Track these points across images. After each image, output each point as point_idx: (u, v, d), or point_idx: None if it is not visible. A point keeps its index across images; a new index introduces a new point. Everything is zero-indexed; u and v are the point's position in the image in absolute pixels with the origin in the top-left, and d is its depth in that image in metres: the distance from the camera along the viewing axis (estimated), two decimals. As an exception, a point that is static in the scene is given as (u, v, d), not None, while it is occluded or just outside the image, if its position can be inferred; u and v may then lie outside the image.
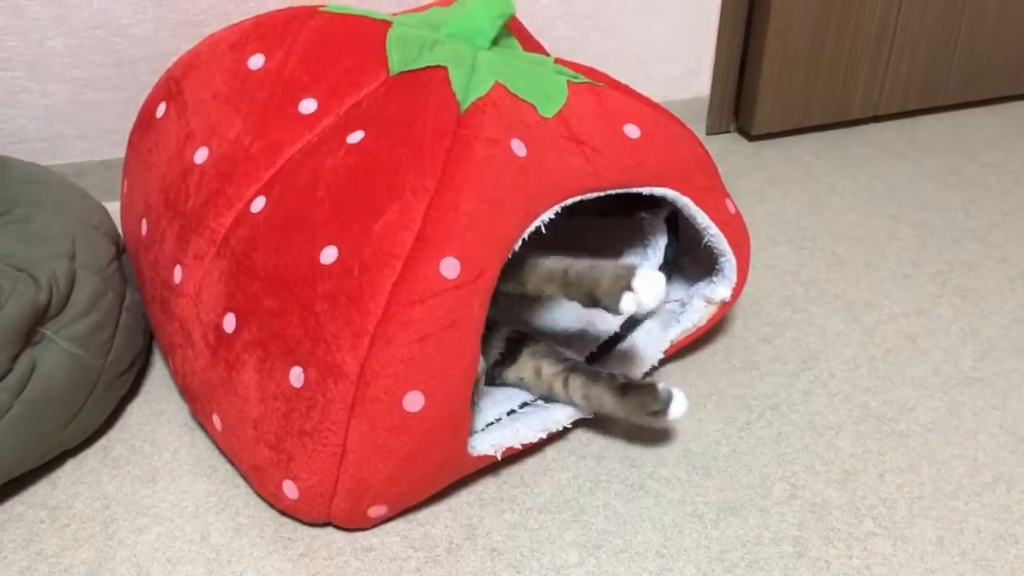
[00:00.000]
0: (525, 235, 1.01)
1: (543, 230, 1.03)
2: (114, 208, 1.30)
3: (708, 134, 1.87)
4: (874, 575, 0.98)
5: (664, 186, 1.13)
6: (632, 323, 1.24)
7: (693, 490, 1.08)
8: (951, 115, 1.94)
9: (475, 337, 0.97)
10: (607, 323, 1.22)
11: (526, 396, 1.15)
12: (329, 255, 0.96)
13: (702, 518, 1.05)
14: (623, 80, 1.21)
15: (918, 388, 1.23)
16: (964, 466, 1.11)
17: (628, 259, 1.27)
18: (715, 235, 1.18)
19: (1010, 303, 1.39)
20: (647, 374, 1.22)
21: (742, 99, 1.84)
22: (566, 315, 1.27)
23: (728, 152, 1.81)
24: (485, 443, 1.06)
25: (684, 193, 1.14)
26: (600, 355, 1.22)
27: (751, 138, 1.85)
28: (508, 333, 1.15)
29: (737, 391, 1.22)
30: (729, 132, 1.88)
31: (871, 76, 1.83)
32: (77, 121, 1.56)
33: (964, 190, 1.68)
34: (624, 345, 1.22)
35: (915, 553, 1.01)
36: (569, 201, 1.05)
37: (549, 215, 1.03)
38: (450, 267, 0.94)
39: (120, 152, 1.54)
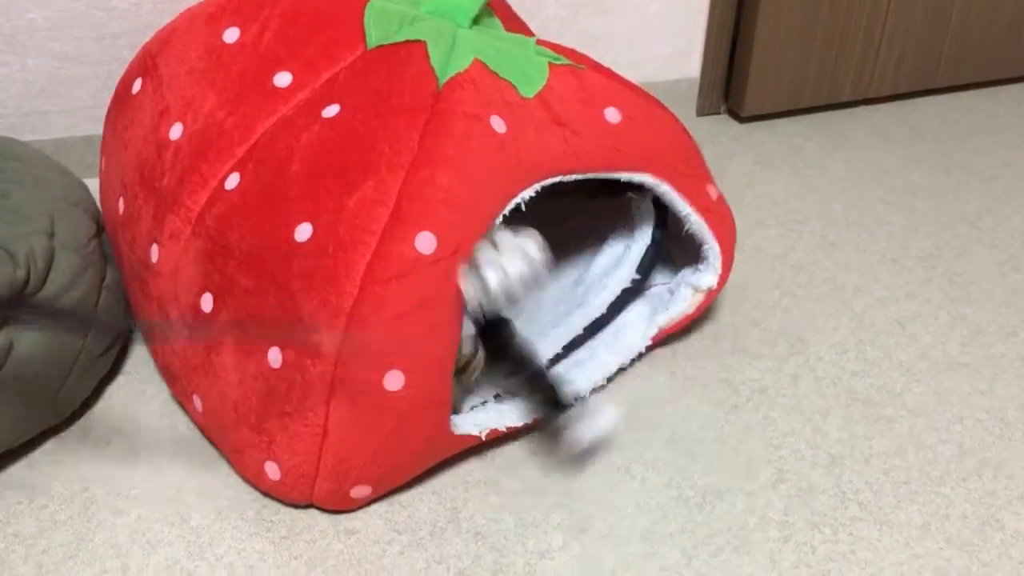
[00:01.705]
0: (505, 212, 1.00)
1: (523, 208, 1.02)
2: (95, 185, 1.28)
3: (698, 115, 1.85)
4: (859, 560, 0.98)
5: (643, 172, 1.12)
6: (620, 304, 1.23)
7: (679, 474, 1.07)
8: (942, 98, 1.93)
9: (454, 313, 0.96)
10: (594, 305, 1.21)
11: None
12: (304, 232, 0.95)
13: (688, 502, 1.04)
14: (613, 60, 1.20)
15: (906, 373, 1.22)
16: (951, 451, 1.11)
17: (614, 242, 1.26)
18: (696, 222, 1.17)
19: (999, 288, 1.38)
20: (634, 360, 1.21)
21: (733, 80, 1.83)
22: (553, 295, 1.26)
23: (718, 133, 1.80)
24: (469, 423, 1.05)
25: (664, 179, 1.13)
26: (587, 337, 1.20)
27: (741, 119, 1.84)
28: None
29: (724, 375, 1.22)
30: (719, 113, 1.87)
31: (862, 58, 1.81)
32: (57, 96, 1.54)
33: (954, 174, 1.67)
34: (611, 328, 1.21)
35: (900, 538, 1.00)
36: (549, 181, 1.04)
37: (529, 193, 1.02)
38: (426, 242, 0.93)
39: (100, 128, 1.52)
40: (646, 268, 1.23)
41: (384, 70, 1.03)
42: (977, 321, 1.31)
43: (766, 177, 1.66)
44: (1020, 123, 1.84)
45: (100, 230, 1.20)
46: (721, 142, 1.77)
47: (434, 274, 0.93)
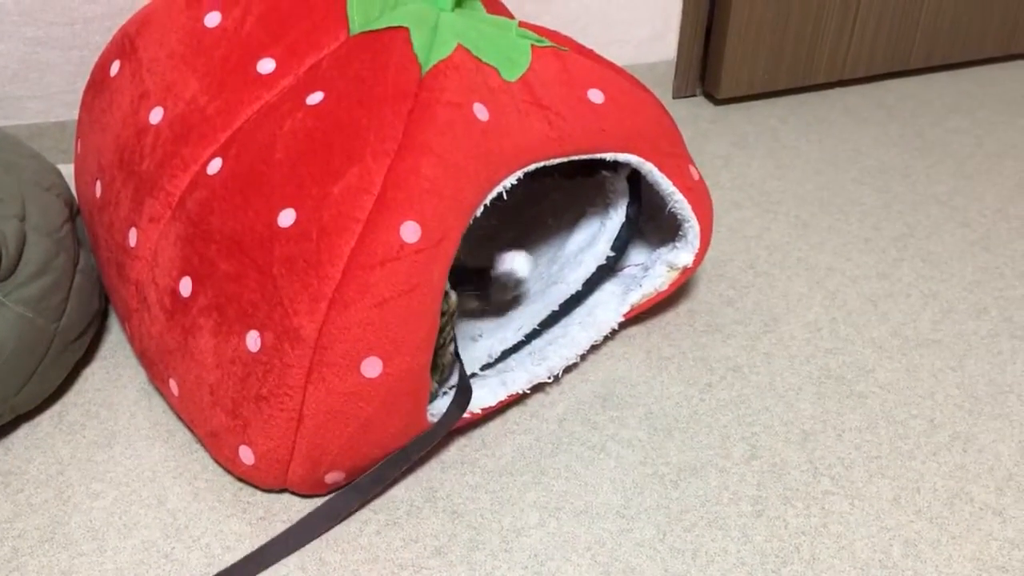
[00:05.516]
0: (487, 200, 1.00)
1: (504, 196, 1.02)
2: (68, 171, 1.27)
3: (674, 98, 1.86)
4: (831, 533, 0.99)
5: (628, 152, 1.12)
6: (594, 282, 1.24)
7: (654, 451, 1.09)
8: (916, 79, 1.94)
9: (435, 303, 0.96)
10: (569, 281, 1.22)
11: (485, 359, 1.15)
12: (287, 218, 0.95)
13: (662, 479, 1.05)
14: (589, 43, 1.20)
15: (878, 350, 1.24)
16: (921, 426, 1.13)
17: (589, 219, 1.27)
18: (679, 201, 1.18)
19: (970, 266, 1.40)
20: (607, 337, 1.23)
21: (708, 63, 1.83)
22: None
23: (694, 116, 1.80)
24: (444, 410, 1.05)
25: (648, 159, 1.14)
26: (561, 314, 1.21)
27: (717, 102, 1.85)
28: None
29: (699, 353, 1.23)
30: (695, 96, 1.88)
31: (837, 40, 1.82)
32: (29, 81, 1.52)
33: (927, 154, 1.69)
34: (585, 306, 1.22)
35: (871, 511, 1.02)
36: (532, 167, 1.04)
37: (511, 181, 1.02)
38: (410, 231, 0.93)
39: (74, 113, 1.51)
40: (620, 245, 1.24)
41: (367, 57, 1.02)
42: (948, 299, 1.33)
43: (742, 159, 1.67)
44: (992, 104, 1.85)
45: (73, 215, 1.19)
46: (697, 124, 1.77)
47: (417, 263, 0.93)
